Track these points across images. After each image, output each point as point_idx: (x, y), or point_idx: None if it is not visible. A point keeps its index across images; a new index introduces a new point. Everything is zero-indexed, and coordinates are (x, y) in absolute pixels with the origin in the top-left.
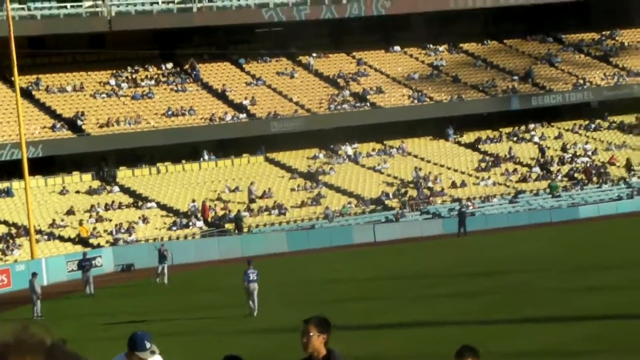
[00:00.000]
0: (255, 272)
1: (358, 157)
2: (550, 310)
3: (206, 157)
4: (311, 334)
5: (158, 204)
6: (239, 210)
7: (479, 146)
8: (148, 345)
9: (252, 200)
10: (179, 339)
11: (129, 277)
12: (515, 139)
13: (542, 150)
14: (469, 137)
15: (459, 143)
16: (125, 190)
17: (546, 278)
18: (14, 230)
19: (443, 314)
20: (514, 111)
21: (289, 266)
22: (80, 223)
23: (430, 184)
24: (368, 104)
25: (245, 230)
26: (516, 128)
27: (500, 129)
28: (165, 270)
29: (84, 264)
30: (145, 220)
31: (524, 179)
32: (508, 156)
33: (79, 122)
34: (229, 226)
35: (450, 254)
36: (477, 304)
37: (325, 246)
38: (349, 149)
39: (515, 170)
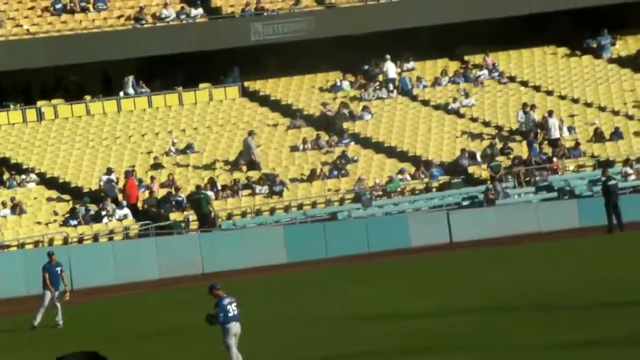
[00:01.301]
0: (235, 302)
1: (415, 85)
2: None
3: (131, 89)
4: None
5: (41, 176)
6: (198, 187)
7: None
8: None
9: (251, 165)
10: None
11: None
12: None
13: None
14: (625, 45)
15: (608, 58)
16: None
17: None
18: None
19: None
20: None
21: (289, 290)
22: None
23: (553, 134)
24: None
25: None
26: None
27: None
28: (58, 303)
29: None
30: (17, 207)
31: None
32: None
33: None
34: (175, 217)
35: (591, 265)
36: None
37: (357, 253)
38: (395, 72)
39: None
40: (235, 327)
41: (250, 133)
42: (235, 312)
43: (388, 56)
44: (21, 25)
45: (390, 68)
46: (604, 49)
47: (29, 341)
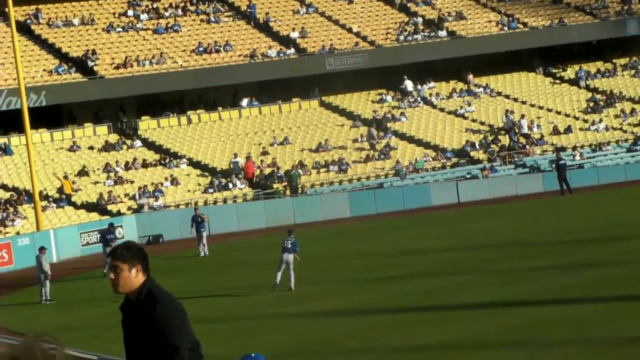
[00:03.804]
0: (292, 241)
1: (435, 99)
2: None
3: (247, 102)
4: None
5: (190, 161)
6: (293, 167)
7: (588, 82)
8: None
9: (372, 146)
10: (216, 325)
11: (156, 250)
12: (633, 72)
13: None
14: (574, 71)
15: (561, 79)
16: (149, 144)
17: None
18: (14, 196)
19: (540, 291)
20: (631, 37)
21: (352, 235)
22: (66, 176)
23: (525, 130)
24: (446, 33)
25: (300, 191)
26: (634, 59)
27: (614, 60)
28: (204, 240)
29: (109, 237)
30: (174, 181)
31: None
32: (624, 94)
33: (90, 63)
34: (277, 186)
35: (551, 216)
36: (583, 278)
37: (396, 210)
38: (423, 90)
39: (633, 111)
40: (285, 257)
41: (374, 124)
42: (289, 246)
43: (405, 77)
44: (177, 62)
45: (422, 88)
46: (551, 71)
47: (187, 266)
